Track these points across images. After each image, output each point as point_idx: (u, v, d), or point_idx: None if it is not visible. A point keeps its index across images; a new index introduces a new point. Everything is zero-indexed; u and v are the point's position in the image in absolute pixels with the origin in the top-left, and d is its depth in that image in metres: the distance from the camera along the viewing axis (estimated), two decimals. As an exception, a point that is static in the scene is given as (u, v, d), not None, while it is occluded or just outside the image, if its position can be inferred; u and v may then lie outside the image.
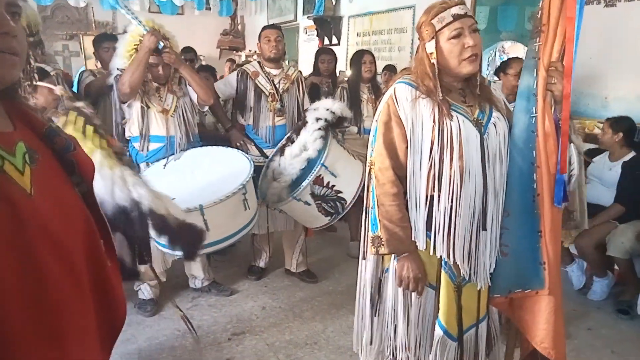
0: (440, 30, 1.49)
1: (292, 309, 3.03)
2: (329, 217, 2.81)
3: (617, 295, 3.14)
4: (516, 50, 5.21)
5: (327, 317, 2.91)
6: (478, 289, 1.61)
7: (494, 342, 1.74)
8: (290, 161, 2.89)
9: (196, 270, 3.13)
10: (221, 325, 2.82)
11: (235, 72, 3.26)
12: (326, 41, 6.65)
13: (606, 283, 3.17)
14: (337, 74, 4.37)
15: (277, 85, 3.19)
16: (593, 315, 2.99)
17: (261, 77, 3.18)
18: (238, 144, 3.14)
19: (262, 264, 3.48)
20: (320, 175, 2.69)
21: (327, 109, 2.88)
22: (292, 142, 2.97)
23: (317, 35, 6.74)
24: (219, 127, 3.61)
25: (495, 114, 1.58)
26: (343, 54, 6.39)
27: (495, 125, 1.56)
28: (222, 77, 4.83)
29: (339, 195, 2.73)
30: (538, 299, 1.56)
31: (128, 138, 2.88)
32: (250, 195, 2.59)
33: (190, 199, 2.37)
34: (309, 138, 2.83)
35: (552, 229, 1.51)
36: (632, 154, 3.09)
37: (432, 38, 1.51)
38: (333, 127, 2.91)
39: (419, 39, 1.59)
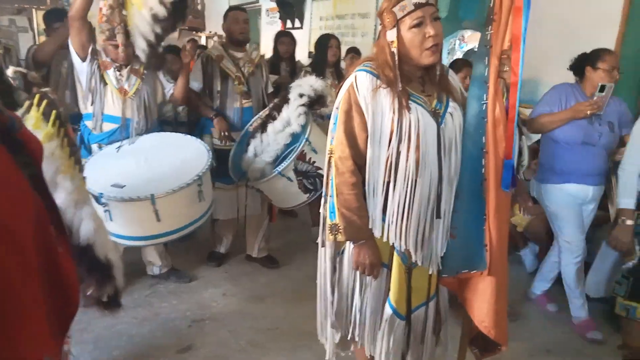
0: (401, 18, 1.49)
1: (254, 295, 3.01)
2: (307, 194, 2.81)
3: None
4: (476, 39, 5.33)
5: (289, 303, 2.91)
6: (429, 273, 1.66)
7: (443, 321, 1.80)
8: (274, 137, 2.88)
9: (153, 257, 3.06)
10: (181, 312, 2.77)
11: (199, 60, 3.18)
12: (289, 24, 6.57)
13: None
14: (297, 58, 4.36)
15: (243, 69, 3.16)
16: (545, 297, 3.10)
17: (226, 61, 3.13)
18: (223, 133, 3.09)
19: (222, 250, 3.44)
20: (303, 150, 2.70)
21: (311, 86, 2.88)
22: (274, 119, 2.95)
23: (280, 18, 6.65)
24: (178, 110, 3.52)
25: (452, 104, 1.60)
26: (306, 37, 6.33)
27: (451, 115, 1.58)
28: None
29: (319, 172, 2.73)
30: (481, 279, 1.62)
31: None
32: (207, 186, 2.53)
33: (142, 186, 2.30)
34: (293, 114, 2.82)
35: (498, 212, 1.56)
36: None
37: (393, 26, 1.50)
38: (311, 105, 2.92)
39: (380, 25, 1.58)
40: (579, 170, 2.54)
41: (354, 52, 4.38)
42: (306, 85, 2.91)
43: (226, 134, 3.10)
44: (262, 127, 3.00)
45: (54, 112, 1.58)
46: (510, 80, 1.50)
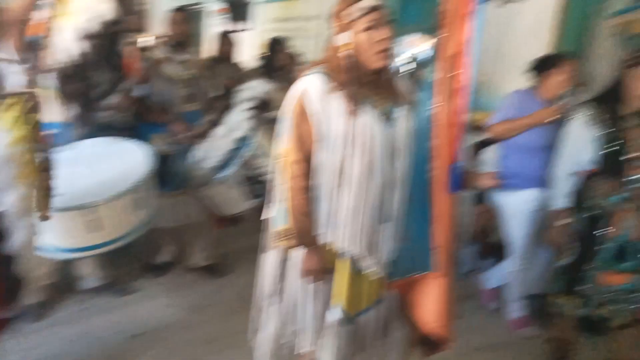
0: (353, 21, 1.48)
1: (196, 305, 2.92)
2: (254, 200, 2.76)
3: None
4: (421, 44, 5.41)
5: (232, 312, 2.83)
6: (378, 277, 1.65)
7: (391, 324, 1.79)
8: (219, 142, 2.80)
9: (87, 269, 2.91)
10: (117, 328, 2.65)
11: (141, 64, 3.07)
12: (237, 26, 6.50)
13: (494, 264, 3.39)
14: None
15: (187, 71, 3.08)
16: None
17: (169, 63, 3.04)
18: (182, 136, 2.98)
19: (162, 259, 3.33)
20: (249, 156, 2.65)
21: (257, 90, 2.83)
22: (218, 123, 2.88)
23: (228, 19, 6.57)
24: (120, 114, 3.39)
25: (401, 108, 1.60)
26: (255, 39, 6.28)
27: (401, 120, 1.59)
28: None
29: (265, 177, 2.69)
30: (430, 281, 1.64)
31: None
32: (148, 193, 2.45)
33: (81, 194, 2.20)
34: (238, 118, 2.77)
35: (446, 215, 1.58)
36: None
37: (345, 29, 1.50)
38: (260, 108, 2.87)
39: (332, 28, 1.56)
40: (541, 176, 2.53)
41: (294, 56, 4.34)
42: (252, 89, 2.87)
43: (187, 134, 2.98)
44: (206, 132, 2.93)
45: (33, 115, 1.50)
46: (458, 85, 1.51)
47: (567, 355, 2.37)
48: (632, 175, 2.00)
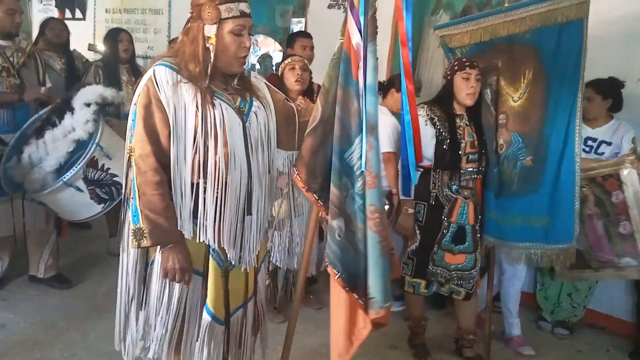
0: (225, 19, 1.47)
1: (43, 321, 2.63)
2: (102, 205, 2.56)
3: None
4: (267, 44, 5.59)
5: (86, 324, 2.63)
6: (245, 270, 1.65)
7: (262, 321, 1.82)
8: (54, 144, 2.52)
9: None
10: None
11: None
12: (68, 14, 5.93)
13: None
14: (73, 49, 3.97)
15: (11, 59, 2.75)
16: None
17: None
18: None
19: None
20: (94, 157, 2.45)
21: (100, 95, 2.61)
22: (53, 124, 2.58)
23: (57, 7, 5.95)
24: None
25: (256, 103, 1.62)
26: (90, 30, 5.81)
27: (256, 114, 1.61)
28: None
29: (115, 179, 2.51)
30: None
31: None
32: None
33: None
34: (78, 123, 2.52)
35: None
36: None
37: (215, 23, 1.47)
38: (103, 105, 2.65)
39: (192, 15, 1.51)
40: None
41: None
42: (93, 94, 2.64)
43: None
44: (38, 133, 2.63)
45: None
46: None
47: (422, 330, 2.66)
48: (464, 169, 2.37)
